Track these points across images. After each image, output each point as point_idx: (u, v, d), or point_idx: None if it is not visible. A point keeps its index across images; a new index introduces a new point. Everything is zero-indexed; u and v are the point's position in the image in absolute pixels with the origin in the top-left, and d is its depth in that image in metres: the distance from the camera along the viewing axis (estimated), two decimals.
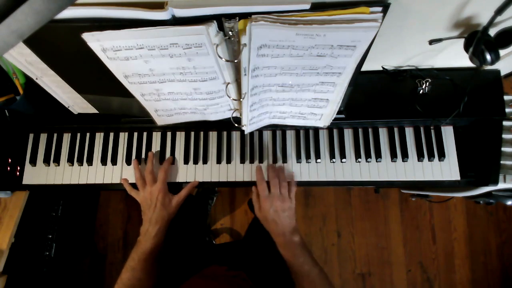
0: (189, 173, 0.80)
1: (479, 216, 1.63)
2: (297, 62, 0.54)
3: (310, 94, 0.64)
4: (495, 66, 0.70)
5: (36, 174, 0.80)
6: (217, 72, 0.55)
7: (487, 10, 0.51)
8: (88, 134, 0.83)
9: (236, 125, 0.69)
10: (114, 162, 0.81)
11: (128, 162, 0.81)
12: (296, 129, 0.82)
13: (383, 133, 0.82)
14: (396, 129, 0.82)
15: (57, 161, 0.81)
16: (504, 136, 0.77)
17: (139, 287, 0.66)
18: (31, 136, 0.82)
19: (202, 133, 0.83)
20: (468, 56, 0.56)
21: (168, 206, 0.73)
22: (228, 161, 0.81)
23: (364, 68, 0.59)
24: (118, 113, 0.76)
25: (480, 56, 0.54)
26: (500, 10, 0.47)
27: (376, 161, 0.80)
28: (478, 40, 0.52)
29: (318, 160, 0.80)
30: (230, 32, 0.47)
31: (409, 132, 0.81)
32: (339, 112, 0.72)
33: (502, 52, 0.55)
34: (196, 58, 0.51)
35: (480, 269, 1.60)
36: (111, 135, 0.83)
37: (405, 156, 0.79)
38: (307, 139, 0.81)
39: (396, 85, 0.77)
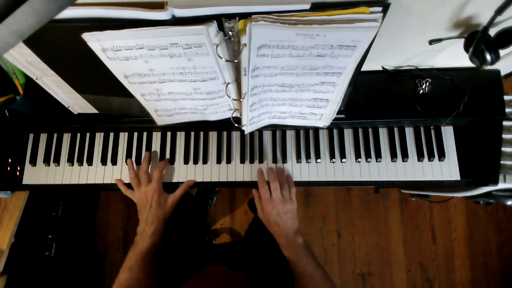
0: (189, 173, 0.80)
1: (479, 216, 1.63)
2: (297, 62, 0.54)
3: (310, 94, 0.64)
4: (495, 66, 0.70)
5: (36, 174, 0.80)
6: (217, 72, 0.55)
7: (487, 10, 0.51)
8: (88, 134, 0.83)
9: (236, 125, 0.69)
10: (114, 162, 0.81)
11: None
12: (296, 129, 0.82)
13: (383, 133, 0.82)
14: (396, 129, 0.82)
15: (57, 161, 0.81)
16: (504, 136, 0.77)
17: (137, 287, 0.66)
18: (31, 136, 0.82)
19: (202, 133, 0.82)
20: (468, 56, 0.56)
21: (164, 205, 0.73)
22: (228, 161, 0.81)
23: (364, 68, 0.59)
24: (118, 113, 0.76)
25: (480, 56, 0.54)
26: (500, 10, 0.47)
27: (376, 161, 0.80)
28: (478, 40, 0.52)
29: (318, 160, 0.80)
30: (230, 32, 0.47)
31: (409, 132, 0.81)
32: (339, 112, 0.72)
33: (502, 52, 0.55)
34: (196, 58, 0.51)
35: (480, 269, 1.60)
36: (111, 135, 0.83)
37: (405, 156, 0.79)
38: (307, 139, 0.81)
39: (396, 85, 0.77)
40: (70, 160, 0.81)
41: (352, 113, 0.76)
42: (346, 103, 0.72)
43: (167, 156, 0.81)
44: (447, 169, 0.79)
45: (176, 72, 0.55)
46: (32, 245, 1.10)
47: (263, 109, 0.68)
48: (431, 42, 0.61)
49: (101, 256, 1.57)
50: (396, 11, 0.49)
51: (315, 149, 0.80)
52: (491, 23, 0.49)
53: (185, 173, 0.80)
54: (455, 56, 0.70)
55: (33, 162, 0.80)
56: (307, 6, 0.44)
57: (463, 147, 0.79)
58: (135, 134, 0.83)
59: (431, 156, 0.79)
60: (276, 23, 0.44)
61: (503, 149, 0.76)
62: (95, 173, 0.81)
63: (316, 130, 0.82)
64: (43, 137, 0.82)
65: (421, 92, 0.76)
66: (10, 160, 0.80)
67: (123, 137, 0.83)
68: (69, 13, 0.44)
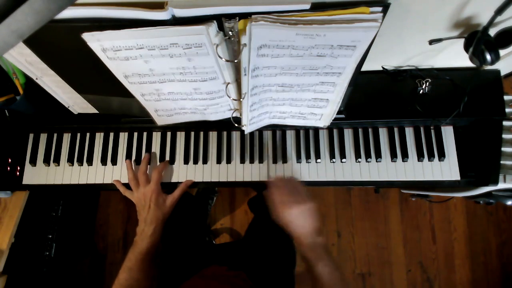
0: (189, 173, 0.80)
1: (479, 216, 1.63)
2: (297, 62, 0.54)
3: (310, 94, 0.64)
4: (495, 66, 0.70)
5: (36, 174, 0.80)
6: (217, 72, 0.55)
7: (487, 10, 0.51)
8: (88, 134, 0.83)
9: (236, 125, 0.69)
10: (114, 162, 0.81)
11: None
12: (296, 129, 0.82)
13: (383, 133, 0.82)
14: (396, 129, 0.82)
15: (57, 161, 0.81)
16: (504, 136, 0.77)
17: (136, 287, 0.66)
18: (31, 136, 0.82)
19: (202, 133, 0.82)
20: (468, 56, 0.56)
21: (162, 206, 0.73)
22: (228, 161, 0.81)
23: (364, 68, 0.59)
24: (118, 113, 0.76)
25: (480, 56, 0.54)
26: (500, 10, 0.47)
27: (376, 161, 0.80)
28: (478, 40, 0.52)
29: (318, 160, 0.80)
30: (230, 32, 0.47)
31: (409, 132, 0.81)
32: (339, 112, 0.72)
33: (502, 52, 0.55)
34: (196, 58, 0.51)
35: (480, 269, 1.60)
36: (111, 135, 0.83)
37: (405, 156, 0.79)
38: (307, 139, 0.81)
39: (396, 85, 0.77)
40: (70, 160, 0.81)
41: (352, 113, 0.76)
42: (346, 103, 0.72)
43: (167, 156, 0.81)
44: (447, 169, 0.79)
45: (176, 72, 0.55)
46: (32, 245, 1.10)
47: (263, 109, 0.68)
48: (431, 42, 0.61)
49: (101, 256, 1.57)
50: (396, 11, 0.49)
51: (315, 149, 0.80)
52: (491, 23, 0.49)
53: (185, 173, 0.80)
54: (455, 56, 0.70)
55: (33, 162, 0.80)
56: (307, 6, 0.44)
57: (463, 147, 0.79)
58: (135, 134, 0.83)
59: (431, 156, 0.79)
60: (276, 23, 0.44)
61: (503, 149, 0.76)
62: (95, 173, 0.81)
63: (316, 130, 0.82)
64: (43, 137, 0.82)
65: (421, 92, 0.76)
66: (10, 160, 0.80)
67: (123, 137, 0.83)
68: (69, 13, 0.44)
